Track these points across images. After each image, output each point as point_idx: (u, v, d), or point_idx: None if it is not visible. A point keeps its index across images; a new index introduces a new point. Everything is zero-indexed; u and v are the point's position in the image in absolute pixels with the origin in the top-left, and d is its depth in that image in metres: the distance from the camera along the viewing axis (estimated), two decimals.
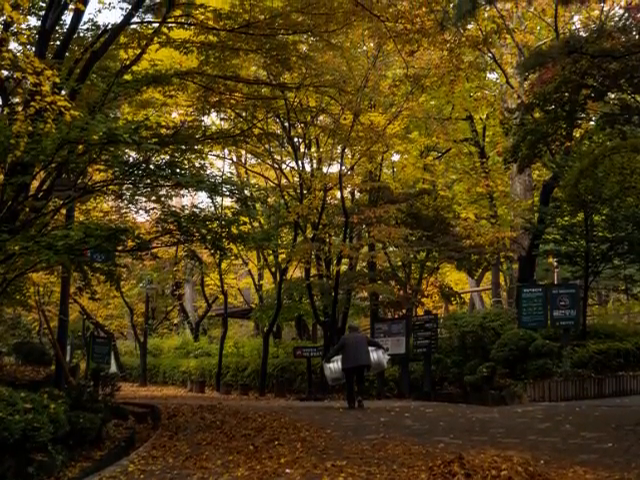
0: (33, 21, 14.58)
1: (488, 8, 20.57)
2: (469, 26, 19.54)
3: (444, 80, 21.91)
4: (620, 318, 24.84)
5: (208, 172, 17.16)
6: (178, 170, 12.16)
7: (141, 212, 27.59)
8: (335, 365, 15.96)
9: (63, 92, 10.88)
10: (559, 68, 15.68)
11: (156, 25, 14.51)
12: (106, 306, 36.83)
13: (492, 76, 29.35)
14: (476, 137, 28.55)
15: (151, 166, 11.90)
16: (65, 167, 11.81)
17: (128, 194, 14.58)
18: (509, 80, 24.16)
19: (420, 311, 24.15)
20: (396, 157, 28.56)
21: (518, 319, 18.59)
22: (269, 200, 27.49)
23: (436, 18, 15.75)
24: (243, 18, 14.87)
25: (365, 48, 23.35)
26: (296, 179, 24.79)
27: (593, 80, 15.91)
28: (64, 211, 14.36)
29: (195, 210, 14.38)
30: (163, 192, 15.05)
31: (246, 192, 18.84)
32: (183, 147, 13.98)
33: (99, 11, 51.02)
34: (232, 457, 8.73)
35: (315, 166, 25.01)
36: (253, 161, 30.75)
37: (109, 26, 13.38)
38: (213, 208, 26.09)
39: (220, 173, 26.98)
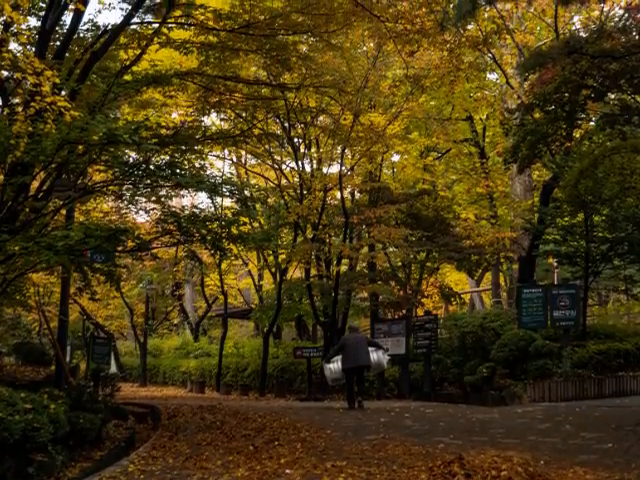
0: (33, 21, 14.60)
1: (488, 8, 20.58)
2: (469, 26, 19.54)
3: (444, 80, 21.92)
4: (620, 318, 24.85)
5: (208, 172, 17.19)
6: (178, 170, 12.16)
7: (141, 212, 27.56)
8: (335, 365, 15.96)
9: (63, 92, 10.88)
10: (559, 68, 15.68)
11: (156, 25, 14.52)
12: (106, 306, 36.83)
13: (492, 76, 29.40)
14: (476, 137, 28.55)
15: (151, 166, 11.90)
16: (65, 167, 11.81)
17: (128, 194, 14.58)
18: (509, 80, 24.16)
19: (420, 311, 24.15)
20: (396, 157, 28.59)
21: (518, 319, 18.59)
22: (269, 200, 27.49)
23: (436, 18, 15.76)
24: (243, 18, 14.88)
25: (365, 48, 23.35)
26: (296, 179, 24.80)
27: (593, 80, 15.91)
28: (64, 211, 14.36)
29: (195, 210, 14.37)
30: (163, 192, 15.05)
31: (246, 192, 18.85)
32: (183, 147, 13.99)
33: (99, 11, 51.09)
34: (232, 457, 8.73)
35: (315, 166, 25.02)
36: (253, 161, 30.75)
37: (109, 27, 13.39)
38: (213, 208, 26.07)
39: (220, 173, 26.98)
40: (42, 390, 9.62)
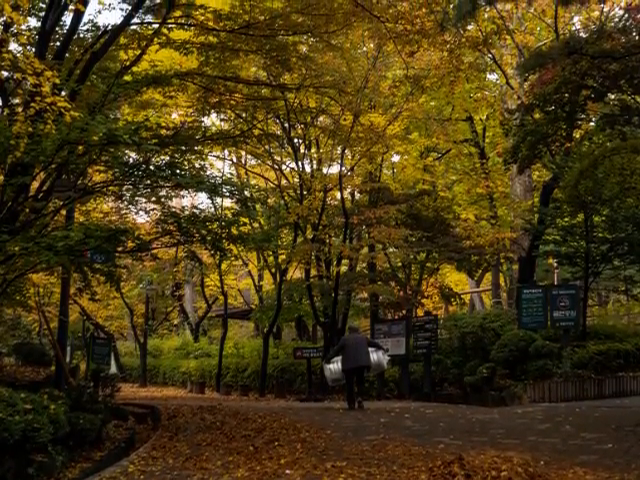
0: (33, 22, 14.59)
1: (488, 9, 20.59)
2: (469, 27, 19.56)
3: (444, 81, 21.93)
4: (620, 319, 24.86)
5: (208, 173, 17.20)
6: (178, 171, 12.16)
7: (141, 213, 27.68)
8: (335, 366, 15.96)
9: (63, 93, 10.88)
10: (559, 69, 15.69)
11: (156, 26, 14.53)
12: (106, 307, 36.82)
13: (492, 77, 29.40)
14: (476, 138, 28.55)
15: (151, 167, 11.90)
16: (65, 168, 11.81)
17: (128, 195, 14.59)
18: (509, 81, 24.17)
19: (420, 312, 24.15)
20: (396, 158, 28.59)
21: (518, 320, 18.59)
22: (269, 201, 27.48)
23: (436, 19, 15.77)
24: (243, 19, 14.88)
25: (365, 49, 23.34)
26: (296, 180, 24.80)
27: (593, 81, 15.91)
28: (64, 212, 14.35)
29: (195, 211, 14.37)
30: (163, 193, 15.06)
31: (246, 193, 18.82)
32: (183, 148, 13.99)
33: (99, 12, 51.10)
34: (232, 458, 8.73)
35: (315, 167, 25.03)
36: (253, 162, 30.76)
37: (109, 27, 13.39)
38: (213, 209, 26.10)
39: (220, 174, 27.03)
40: (42, 390, 9.62)
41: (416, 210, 22.96)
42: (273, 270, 29.77)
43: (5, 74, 12.38)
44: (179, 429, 12.14)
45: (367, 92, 20.92)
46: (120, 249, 12.67)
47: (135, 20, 13.96)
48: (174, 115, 23.67)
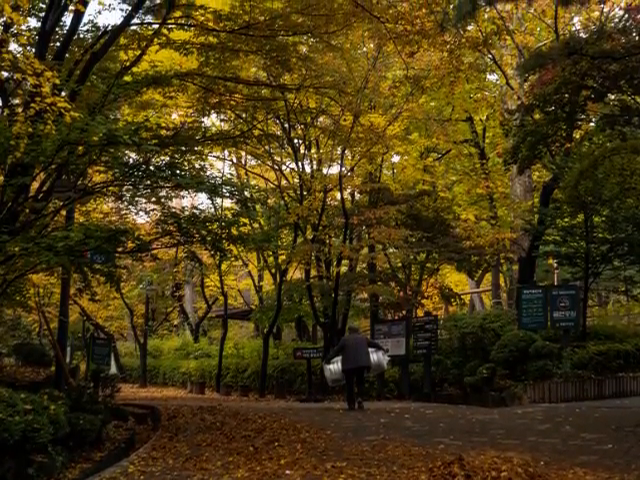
0: (33, 22, 14.60)
1: (488, 9, 20.59)
2: (469, 27, 19.55)
3: (444, 81, 21.92)
4: (620, 319, 24.84)
5: (208, 173, 17.19)
6: (178, 171, 12.16)
7: (141, 213, 27.74)
8: (335, 366, 15.96)
9: (63, 93, 10.89)
10: (559, 69, 15.70)
11: (156, 26, 14.54)
12: (106, 307, 36.81)
13: (492, 77, 29.41)
14: (476, 138, 28.55)
15: (151, 167, 11.90)
16: (65, 168, 11.81)
17: (128, 195, 14.59)
18: (509, 81, 24.17)
19: (420, 312, 24.15)
20: (396, 158, 28.59)
21: (518, 320, 18.59)
22: (269, 201, 27.47)
23: (436, 19, 15.77)
24: (243, 19, 14.89)
25: (365, 49, 23.34)
26: (296, 180, 24.80)
27: (593, 81, 15.93)
28: (64, 212, 14.35)
29: (195, 211, 14.35)
30: (163, 193, 15.08)
31: (246, 193, 18.81)
32: (183, 148, 13.99)
33: (99, 12, 51.13)
34: (232, 458, 8.73)
35: (315, 167, 25.02)
36: (253, 162, 30.76)
37: (109, 27, 13.40)
38: (213, 209, 26.14)
39: (220, 174, 27.06)
40: (42, 391, 9.62)
41: (416, 210, 22.96)
42: (273, 270, 29.77)
43: (5, 74, 12.39)
44: (179, 429, 12.14)
45: (367, 92, 20.92)
46: (120, 249, 12.67)
47: (135, 20, 13.98)
48: (174, 115, 23.68)
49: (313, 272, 25.07)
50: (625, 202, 17.76)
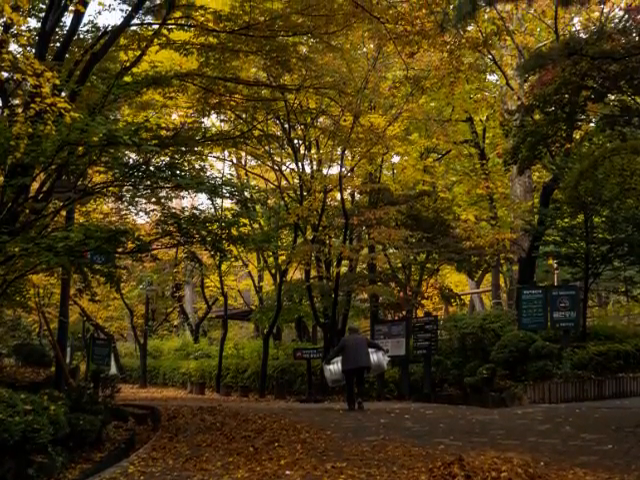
0: (33, 23, 14.60)
1: (488, 10, 20.59)
2: (469, 28, 19.53)
3: (444, 82, 21.91)
4: (620, 320, 24.83)
5: (208, 174, 17.18)
6: (178, 172, 12.15)
7: (141, 214, 27.59)
8: (335, 367, 15.96)
9: (63, 94, 10.89)
10: (559, 70, 15.71)
11: (156, 27, 14.53)
12: (106, 308, 36.81)
13: (492, 78, 29.42)
14: (476, 139, 28.55)
15: (151, 168, 11.90)
16: (65, 169, 11.82)
17: (128, 196, 14.60)
18: (509, 82, 24.18)
19: (420, 313, 24.16)
20: (396, 159, 28.58)
21: (518, 321, 18.59)
22: (269, 202, 27.50)
23: (436, 20, 15.75)
24: (243, 20, 14.89)
25: (365, 50, 23.33)
26: (296, 181, 24.80)
27: (593, 82, 15.94)
28: (64, 213, 14.36)
29: (195, 212, 14.35)
30: (163, 194, 15.08)
31: (246, 194, 18.85)
32: (183, 149, 13.99)
33: (99, 13, 51.23)
34: (232, 459, 8.73)
35: (315, 168, 25.02)
36: (253, 163, 30.76)
37: (109, 28, 13.40)
38: (213, 210, 26.16)
39: (220, 175, 27.05)
40: (42, 391, 9.62)
41: (416, 211, 22.96)
42: (273, 271, 29.77)
43: (5, 75, 12.40)
44: (179, 430, 12.14)
45: (367, 93, 20.92)
46: (120, 250, 12.66)
47: (135, 21, 13.99)
48: (174, 116, 23.68)
49: (313, 272, 25.07)
50: (625, 202, 17.75)
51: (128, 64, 14.43)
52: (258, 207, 24.55)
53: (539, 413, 13.23)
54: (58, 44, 13.43)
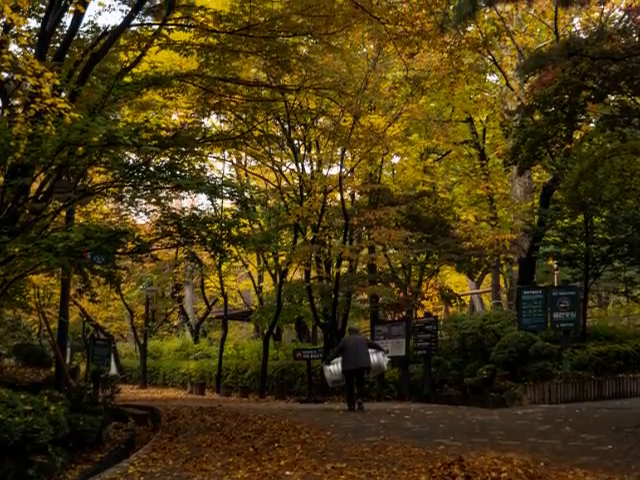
0: (33, 23, 14.60)
1: (488, 10, 20.58)
2: (469, 28, 19.54)
3: (444, 82, 21.91)
4: (620, 320, 24.83)
5: (208, 174, 17.17)
6: (178, 172, 12.15)
7: (141, 214, 27.61)
8: (335, 367, 15.96)
9: (63, 94, 10.89)
10: (559, 70, 15.72)
11: (156, 27, 14.53)
12: (106, 308, 36.83)
13: (492, 78, 29.43)
14: (476, 139, 28.55)
15: (151, 168, 11.89)
16: (65, 169, 11.83)
17: (128, 196, 14.58)
18: (509, 82, 24.18)
19: (420, 313, 24.16)
20: (396, 159, 28.59)
21: (518, 321, 18.59)
22: (269, 202, 27.50)
23: (436, 20, 15.76)
24: (243, 20, 14.88)
25: (365, 50, 23.34)
26: (296, 181, 24.80)
27: (593, 82, 15.95)
28: (64, 213, 14.36)
29: (195, 212, 14.35)
30: (163, 194, 15.07)
31: (246, 194, 18.83)
32: (183, 149, 13.98)
33: (99, 13, 51.29)
34: (232, 459, 8.72)
35: (315, 168, 25.02)
36: (253, 163, 30.78)
37: (109, 28, 13.39)
38: (213, 210, 26.16)
39: (220, 175, 27.05)
40: (42, 392, 9.62)
41: (416, 211, 22.97)
42: (273, 271, 29.77)
43: (5, 75, 12.40)
44: (179, 430, 12.14)
45: (367, 93, 20.92)
46: (120, 250, 12.66)
47: (135, 21, 13.98)
48: (174, 116, 23.68)
49: (313, 273, 25.08)
50: (625, 203, 17.76)
51: (128, 64, 14.43)
52: (258, 208, 24.55)
53: (539, 413, 13.23)
54: (58, 44, 13.43)
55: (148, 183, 12.32)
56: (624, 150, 13.38)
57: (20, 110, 11.56)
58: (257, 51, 16.24)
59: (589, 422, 11.69)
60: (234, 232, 13.22)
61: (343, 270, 23.76)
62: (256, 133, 22.17)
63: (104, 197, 16.78)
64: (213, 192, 13.45)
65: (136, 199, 14.94)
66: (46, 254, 9.71)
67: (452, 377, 18.22)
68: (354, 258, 22.58)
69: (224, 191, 13.69)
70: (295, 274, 29.82)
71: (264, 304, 29.45)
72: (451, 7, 15.20)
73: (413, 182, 27.33)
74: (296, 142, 24.54)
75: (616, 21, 20.40)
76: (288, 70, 17.81)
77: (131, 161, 12.82)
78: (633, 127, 17.00)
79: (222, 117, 23.96)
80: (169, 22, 14.44)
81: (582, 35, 19.92)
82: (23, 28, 12.88)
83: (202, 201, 62.71)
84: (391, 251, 24.44)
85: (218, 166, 41.19)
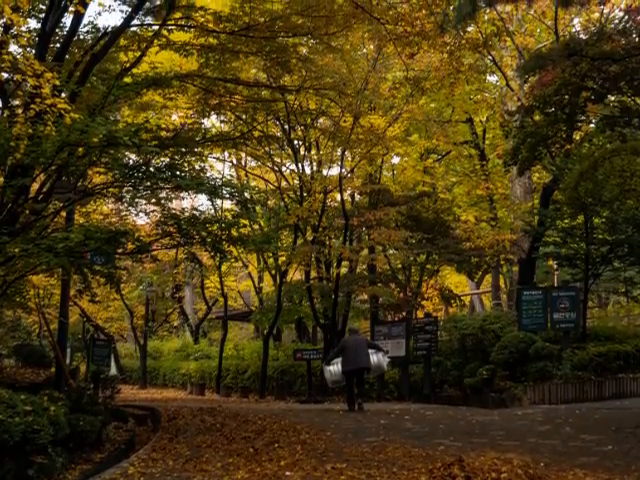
0: (33, 24, 14.60)
1: (488, 11, 20.58)
2: (469, 29, 19.56)
3: (444, 83, 21.91)
4: (620, 320, 24.84)
5: (208, 175, 17.17)
6: (178, 173, 12.16)
7: (141, 215, 27.60)
8: (335, 368, 15.96)
9: (63, 95, 10.89)
10: (559, 71, 15.71)
11: (156, 28, 14.53)
12: (106, 309, 36.83)
13: (492, 79, 29.43)
14: (476, 140, 28.55)
15: (151, 169, 11.90)
16: (65, 170, 11.82)
17: (128, 197, 14.58)
18: (509, 83, 24.18)
19: (420, 314, 24.15)
20: (396, 160, 28.59)
21: (518, 322, 18.59)
22: (269, 203, 27.50)
23: (436, 21, 15.76)
24: (243, 21, 14.89)
25: (365, 51, 23.35)
26: (296, 182, 24.80)
27: (593, 82, 15.95)
28: (64, 214, 14.36)
29: (195, 213, 14.36)
30: (163, 195, 15.07)
31: (246, 195, 18.81)
32: (183, 150, 13.99)
33: (99, 14, 51.16)
34: (232, 460, 8.72)
35: (315, 169, 25.02)
36: (253, 164, 30.80)
37: (109, 29, 13.39)
38: (213, 211, 26.15)
39: (220, 176, 27.00)
40: (42, 392, 9.62)
41: (416, 212, 22.97)
42: (273, 272, 29.78)
43: (5, 76, 12.40)
44: (179, 431, 12.14)
45: (367, 94, 20.93)
46: (120, 251, 12.67)
47: (135, 22, 13.98)
48: (174, 117, 23.69)
49: (313, 273, 25.08)
50: (625, 203, 17.76)
51: (128, 65, 14.43)
52: (258, 208, 24.55)
53: (539, 414, 13.23)
54: (58, 45, 13.44)
55: (148, 183, 12.32)
56: (624, 151, 13.38)
57: (20, 110, 11.56)
58: (257, 51, 16.24)
59: (589, 422, 11.69)
60: (234, 232, 13.22)
61: (343, 271, 23.76)
62: (256, 134, 22.18)
63: (104, 198, 16.79)
64: (213, 192, 13.45)
65: (136, 200, 14.94)
66: (46, 255, 9.71)
67: (452, 377, 18.22)
68: (354, 258, 22.58)
69: (224, 191, 13.70)
70: (295, 274, 29.83)
71: (264, 304, 29.45)
72: (451, 7, 15.19)
73: (413, 182, 27.33)
74: (296, 142, 24.55)
75: (616, 21, 20.40)
76: (288, 70, 17.81)
77: (131, 162, 12.82)
78: (633, 128, 17.00)
79: (222, 117, 23.97)
80: (169, 23, 14.44)
81: (582, 36, 19.92)
82: (23, 29, 12.89)
83: (202, 202, 62.73)
84: (391, 251, 24.44)
85: (218, 167, 41.23)
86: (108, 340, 28.14)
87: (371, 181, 23.97)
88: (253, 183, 30.59)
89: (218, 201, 24.49)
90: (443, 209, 24.58)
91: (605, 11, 23.03)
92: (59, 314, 15.70)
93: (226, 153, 28.31)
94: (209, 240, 12.79)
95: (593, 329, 19.53)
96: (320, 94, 20.49)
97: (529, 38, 25.80)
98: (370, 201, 23.59)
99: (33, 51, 12.37)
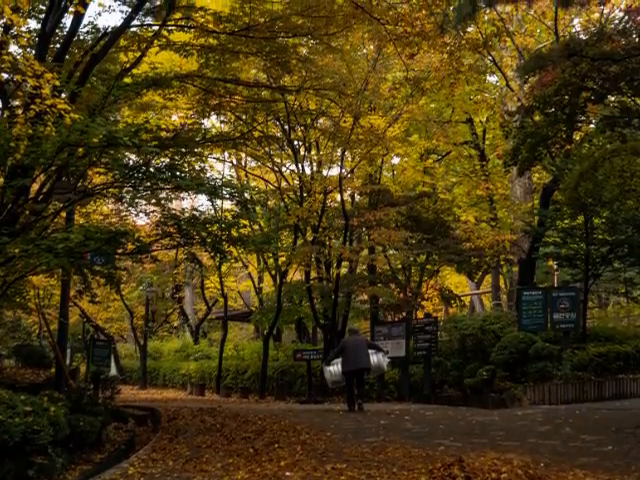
0: (33, 24, 14.61)
1: (488, 11, 20.57)
2: (469, 29, 19.55)
3: (444, 83, 21.90)
4: (620, 321, 24.84)
5: (208, 175, 17.15)
6: (178, 173, 12.16)
7: (141, 215, 27.69)
8: (335, 368, 15.96)
9: (63, 95, 10.89)
10: (559, 71, 15.72)
11: (156, 28, 14.53)
12: (106, 309, 36.84)
13: (492, 79, 29.44)
14: (476, 140, 28.55)
15: (151, 169, 11.90)
16: (65, 170, 11.83)
17: (128, 197, 14.58)
18: (509, 83, 24.19)
19: (420, 314, 24.14)
20: (396, 160, 28.58)
21: (518, 322, 18.58)
22: (269, 203, 27.50)
23: (436, 21, 15.75)
24: (243, 21, 14.88)
25: (365, 51, 23.35)
26: (296, 182, 24.79)
27: (593, 83, 15.95)
28: (64, 214, 14.36)
29: (195, 213, 14.36)
30: (163, 195, 15.06)
31: (246, 195, 18.86)
32: (183, 150, 13.98)
33: (99, 14, 51.23)
34: (232, 460, 8.72)
35: (315, 169, 25.02)
36: (253, 164, 30.80)
37: (109, 29, 13.39)
38: (213, 211, 26.14)
39: (220, 176, 26.99)
40: (42, 393, 9.61)
41: (416, 212, 22.97)
42: (273, 272, 29.77)
43: (5, 76, 12.40)
44: (179, 431, 12.14)
45: (367, 94, 20.92)
46: (120, 251, 12.67)
47: (135, 22, 13.97)
48: (174, 117, 23.67)
49: (313, 274, 25.07)
50: (625, 204, 17.76)
51: (128, 65, 14.43)
52: (258, 208, 24.56)
53: (539, 414, 13.23)
54: (58, 45, 13.44)
55: (148, 184, 12.32)
56: (624, 151, 13.38)
57: (20, 111, 11.56)
58: (257, 52, 16.24)
59: (589, 423, 11.69)
60: (234, 233, 13.22)
61: (343, 271, 23.76)
62: (256, 134, 22.17)
63: (104, 198, 16.78)
64: (213, 193, 13.45)
65: (136, 200, 14.94)
66: (46, 255, 9.72)
67: (452, 378, 18.22)
68: (354, 259, 22.58)
69: (224, 192, 13.70)
70: (295, 275, 29.82)
71: (264, 305, 29.45)
72: (451, 8, 15.18)
73: (413, 183, 27.32)
74: (296, 143, 24.54)
75: (616, 22, 20.40)
76: (288, 71, 17.80)
77: (131, 162, 12.83)
78: (633, 128, 17.00)
79: (222, 118, 23.98)
80: (169, 23, 14.44)
81: (582, 36, 19.92)
82: (23, 29, 12.92)
83: (202, 202, 62.68)
84: (391, 252, 24.44)
85: (218, 167, 41.29)
86: (108, 340, 28.14)
87: (371, 181, 23.97)
88: (253, 183, 30.60)
89: (218, 201, 24.53)
90: (443, 209, 24.58)
91: (605, 11, 23.05)
92: (59, 314, 15.70)
93: (226, 153, 28.31)
94: (209, 240, 12.79)
95: (593, 330, 19.52)
96: (320, 94, 20.49)
97: (529, 38, 25.80)
98: (370, 201, 23.59)
99: (33, 51, 12.37)
